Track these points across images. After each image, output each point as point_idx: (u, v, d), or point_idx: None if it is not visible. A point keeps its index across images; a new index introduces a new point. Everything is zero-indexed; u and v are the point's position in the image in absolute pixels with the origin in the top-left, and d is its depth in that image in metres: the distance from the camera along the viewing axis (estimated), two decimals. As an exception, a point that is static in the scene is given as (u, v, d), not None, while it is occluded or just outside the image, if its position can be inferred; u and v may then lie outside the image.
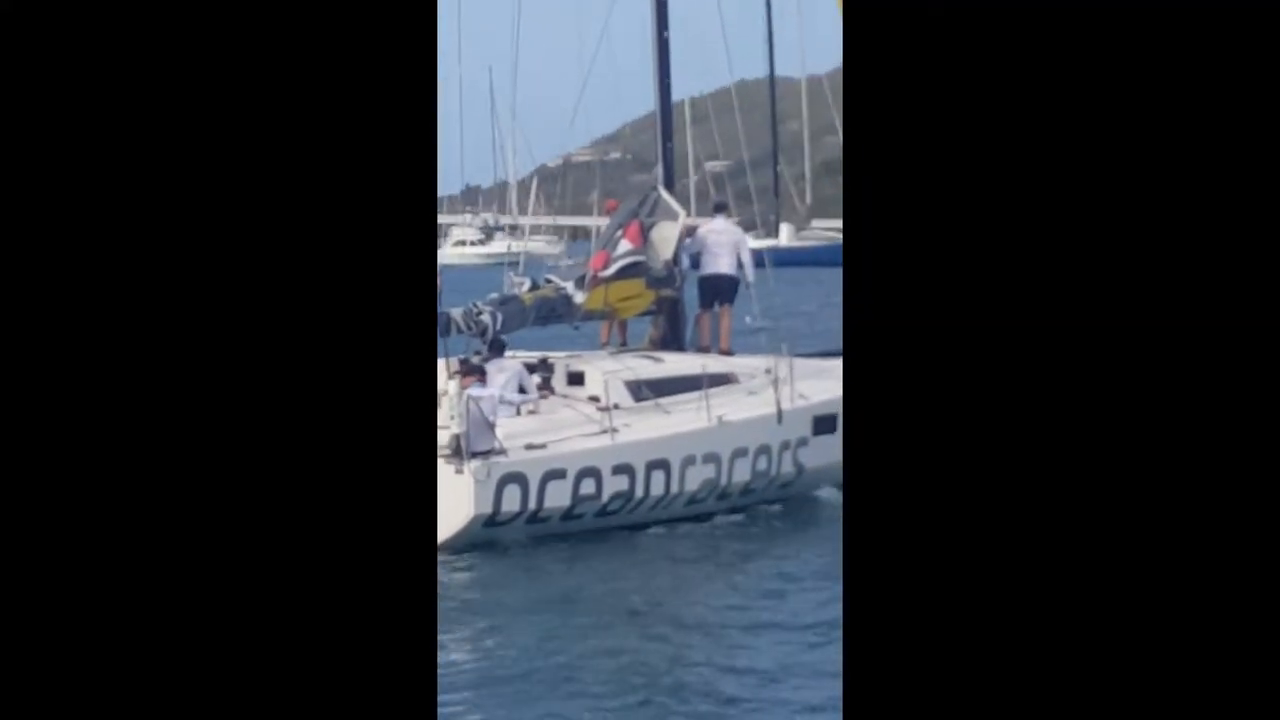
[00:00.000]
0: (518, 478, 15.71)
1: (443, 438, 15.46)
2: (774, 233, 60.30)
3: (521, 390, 16.80)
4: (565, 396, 17.28)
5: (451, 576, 14.62)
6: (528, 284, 17.60)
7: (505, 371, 16.70)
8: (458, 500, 15.34)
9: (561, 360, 17.79)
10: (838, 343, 18.01)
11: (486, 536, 15.59)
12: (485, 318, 16.79)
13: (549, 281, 17.91)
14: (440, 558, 14.96)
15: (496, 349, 16.96)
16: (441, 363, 16.19)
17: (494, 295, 17.37)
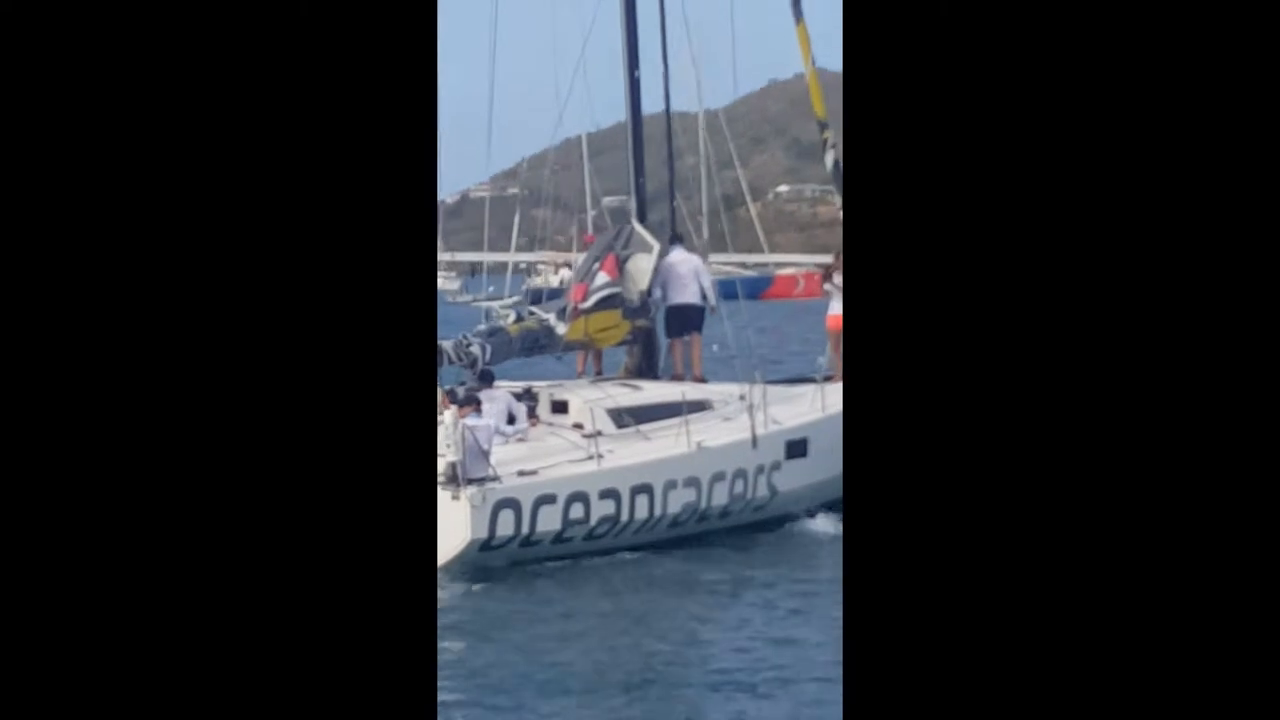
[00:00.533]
0: (511, 503, 16.36)
1: (439, 466, 16.16)
2: None
3: (511, 419, 17.44)
4: (550, 424, 17.95)
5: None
6: (513, 316, 18.29)
7: (496, 401, 17.35)
8: (454, 525, 15.98)
9: (545, 389, 18.47)
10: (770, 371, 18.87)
11: (482, 560, 16.22)
12: (475, 349, 17.47)
13: (532, 314, 18.60)
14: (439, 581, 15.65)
15: (486, 380, 17.61)
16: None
17: (481, 327, 18.05)
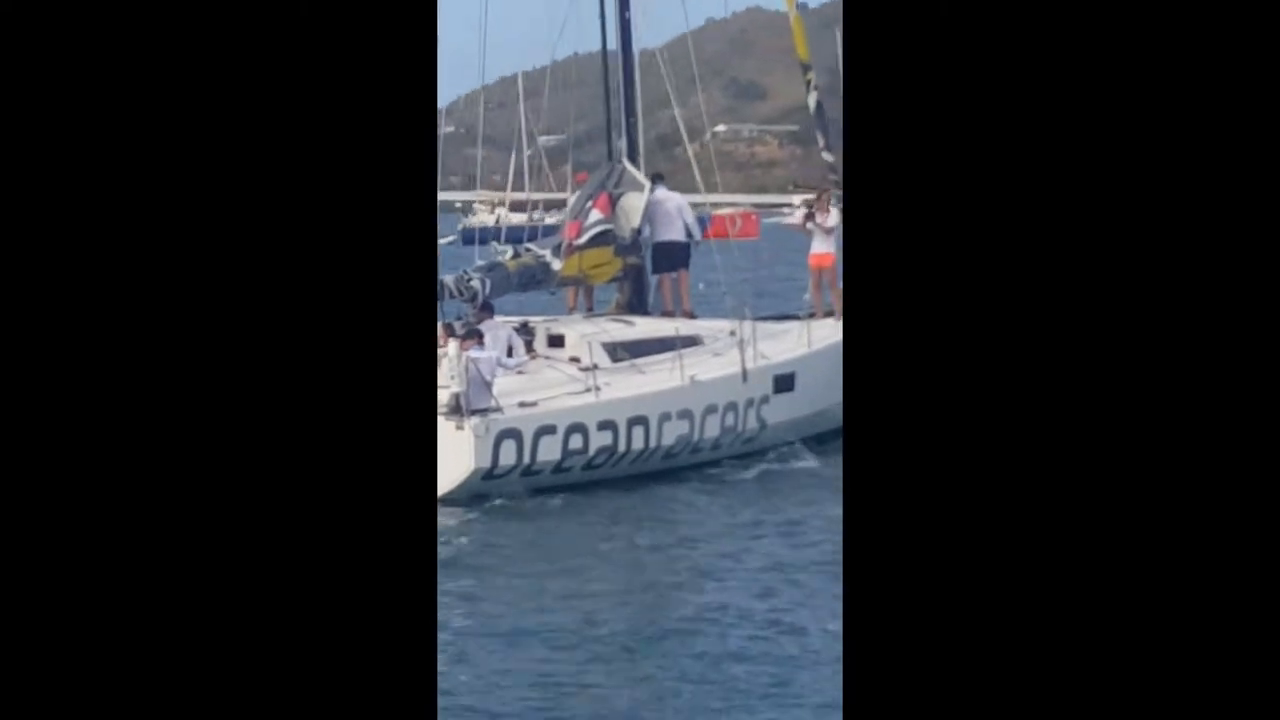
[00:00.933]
0: (513, 433, 16.79)
1: (443, 396, 16.58)
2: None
3: (510, 352, 17.86)
4: (547, 358, 18.38)
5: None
6: (510, 252, 18.69)
7: (496, 334, 17.76)
8: (459, 455, 16.42)
9: (541, 324, 18.89)
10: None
11: (485, 489, 16.65)
12: (475, 284, 17.87)
13: (528, 250, 19.01)
14: (442, 509, 16.11)
15: (487, 310, 18.02)
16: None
17: (482, 263, 18.44)
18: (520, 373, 17.83)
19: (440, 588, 13.18)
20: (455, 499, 16.33)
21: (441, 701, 10.05)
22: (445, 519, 15.64)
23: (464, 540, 15.23)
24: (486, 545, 15.07)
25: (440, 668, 10.68)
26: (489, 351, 17.06)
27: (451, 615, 12.35)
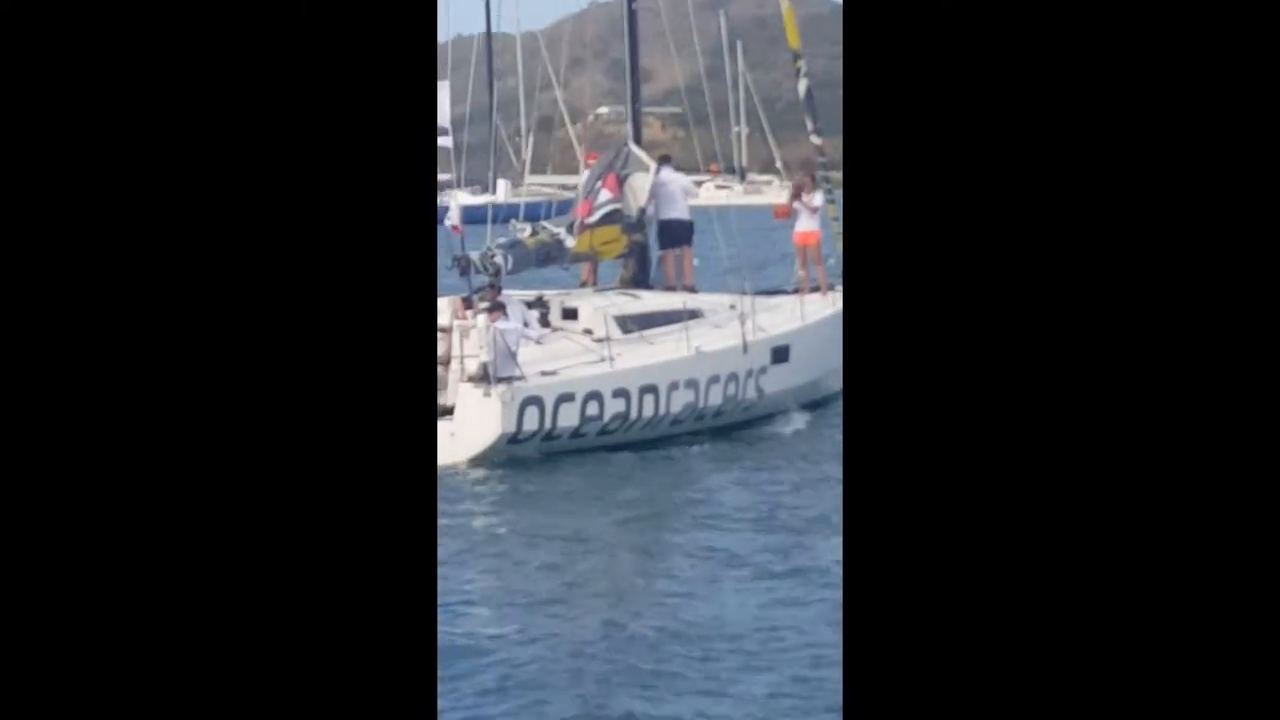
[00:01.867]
0: (536, 400, 17.99)
1: (471, 366, 17.85)
2: (491, 189, 58.94)
3: (525, 324, 19.05)
4: (562, 329, 19.59)
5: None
6: (529, 230, 19.94)
7: (512, 307, 18.95)
8: (486, 420, 17.63)
9: (555, 297, 20.11)
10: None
11: (510, 452, 17.86)
12: (498, 259, 19.06)
13: (544, 228, 20.24)
14: (472, 470, 17.38)
15: (496, 289, 19.22)
16: (451, 300, 18.61)
17: (503, 240, 19.64)
18: (538, 343, 19.01)
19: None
20: (484, 460, 17.56)
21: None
22: (476, 475, 17.11)
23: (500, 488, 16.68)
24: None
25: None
26: (514, 323, 18.24)
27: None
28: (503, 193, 58.53)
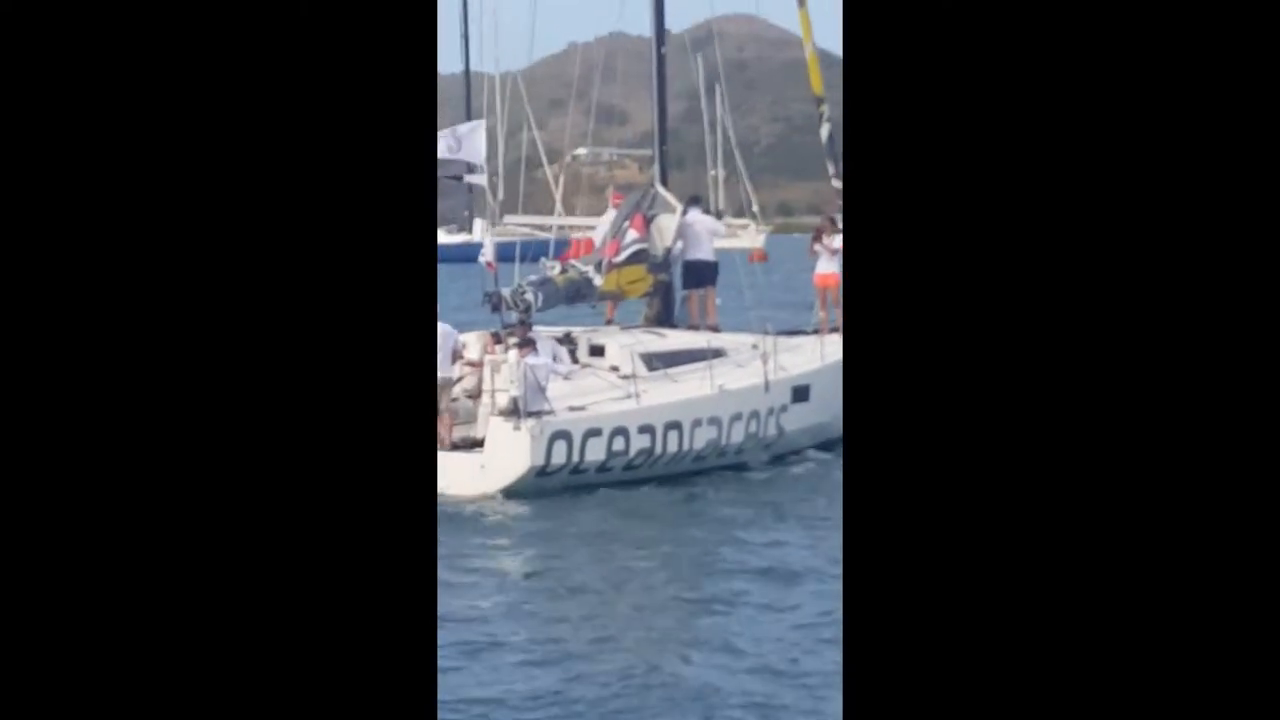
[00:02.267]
0: (564, 434, 18.47)
1: (501, 400, 18.37)
2: (468, 228, 58.49)
3: (555, 360, 19.54)
4: (589, 366, 20.09)
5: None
6: (558, 269, 20.47)
7: (541, 344, 19.45)
8: (516, 453, 18.12)
9: (583, 335, 20.63)
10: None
11: (538, 485, 18.33)
12: (529, 296, 19.58)
13: (572, 266, 20.77)
14: (501, 503, 17.86)
15: (526, 325, 19.71)
16: (482, 335, 19.15)
17: (533, 278, 20.15)
18: (565, 379, 19.50)
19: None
20: (514, 492, 18.04)
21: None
22: (506, 509, 17.58)
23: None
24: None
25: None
26: (544, 359, 18.74)
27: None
28: (479, 232, 60.30)
